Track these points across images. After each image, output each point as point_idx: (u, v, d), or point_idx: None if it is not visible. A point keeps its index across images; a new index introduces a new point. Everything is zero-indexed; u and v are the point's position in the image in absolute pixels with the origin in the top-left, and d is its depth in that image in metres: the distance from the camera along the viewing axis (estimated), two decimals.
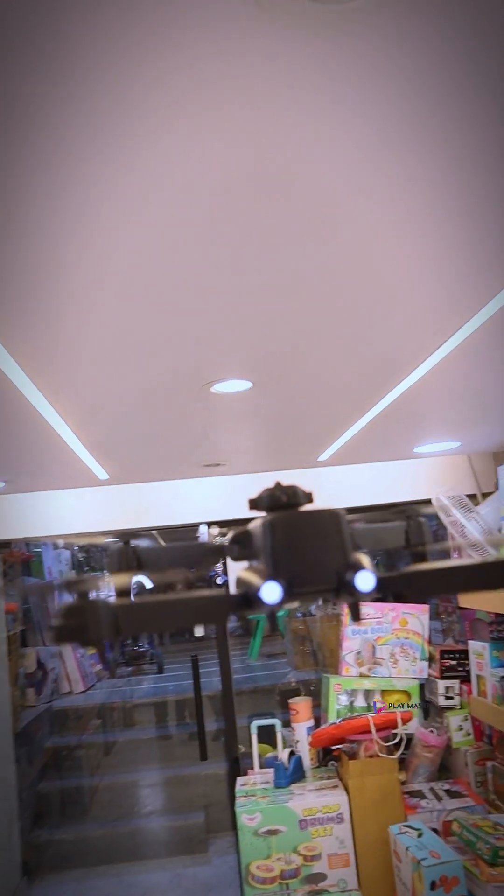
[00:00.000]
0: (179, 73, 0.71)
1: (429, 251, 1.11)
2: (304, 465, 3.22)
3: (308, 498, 0.80)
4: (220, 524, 3.75)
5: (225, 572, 3.73)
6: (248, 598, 0.67)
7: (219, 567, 3.73)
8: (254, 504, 0.81)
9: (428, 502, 3.49)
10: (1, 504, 3.43)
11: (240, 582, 0.73)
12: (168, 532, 7.24)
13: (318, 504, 0.80)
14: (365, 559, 0.72)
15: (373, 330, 1.49)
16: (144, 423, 2.07)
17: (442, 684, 3.58)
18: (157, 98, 0.74)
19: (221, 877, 4.00)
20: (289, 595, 0.67)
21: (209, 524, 3.72)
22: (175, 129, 0.79)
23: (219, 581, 3.70)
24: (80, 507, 3.46)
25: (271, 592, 0.65)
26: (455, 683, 3.58)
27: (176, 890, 3.97)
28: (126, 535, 0.97)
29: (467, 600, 3.44)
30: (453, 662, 3.63)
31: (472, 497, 3.60)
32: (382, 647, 3.69)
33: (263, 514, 0.79)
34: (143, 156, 0.83)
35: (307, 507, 0.79)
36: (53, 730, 5.30)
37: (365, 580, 0.68)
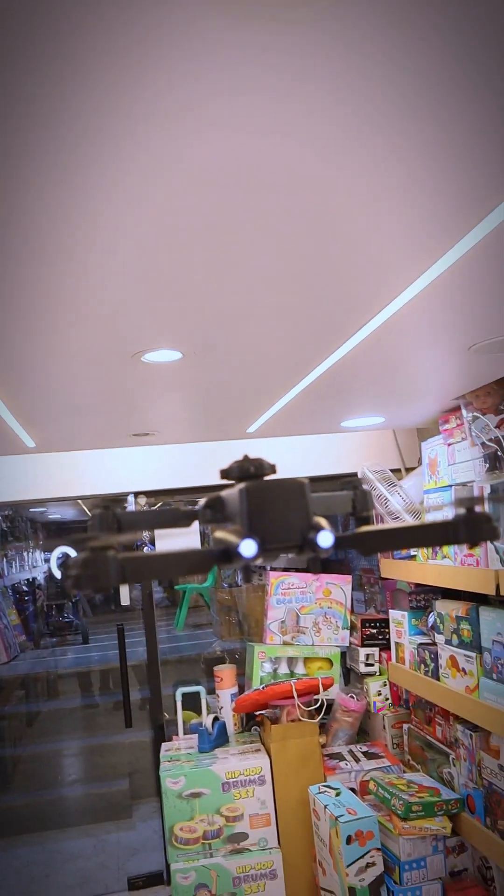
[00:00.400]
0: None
1: (358, 222, 1.14)
2: (233, 436, 3.25)
3: (272, 469, 0.89)
4: (150, 494, 3.76)
5: (152, 542, 3.75)
6: (228, 553, 0.78)
7: (146, 537, 3.74)
8: (224, 474, 0.90)
9: (354, 476, 3.58)
10: None
11: (218, 541, 0.83)
12: (95, 502, 7.20)
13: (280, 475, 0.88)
14: (324, 521, 0.83)
15: (301, 304, 1.52)
16: (73, 391, 2.06)
17: (363, 652, 3.70)
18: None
19: (145, 841, 4.07)
20: (262, 550, 0.79)
21: (137, 494, 3.72)
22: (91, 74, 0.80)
23: (146, 550, 3.70)
24: (5, 475, 3.40)
25: (248, 548, 0.77)
26: (375, 651, 3.71)
27: (100, 855, 4.02)
28: (106, 501, 0.97)
29: (388, 571, 3.55)
30: (374, 631, 3.76)
31: (396, 472, 3.71)
32: (306, 616, 3.78)
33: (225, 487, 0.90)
34: (63, 119, 0.83)
35: (274, 477, 0.87)
36: None
37: (325, 538, 0.79)
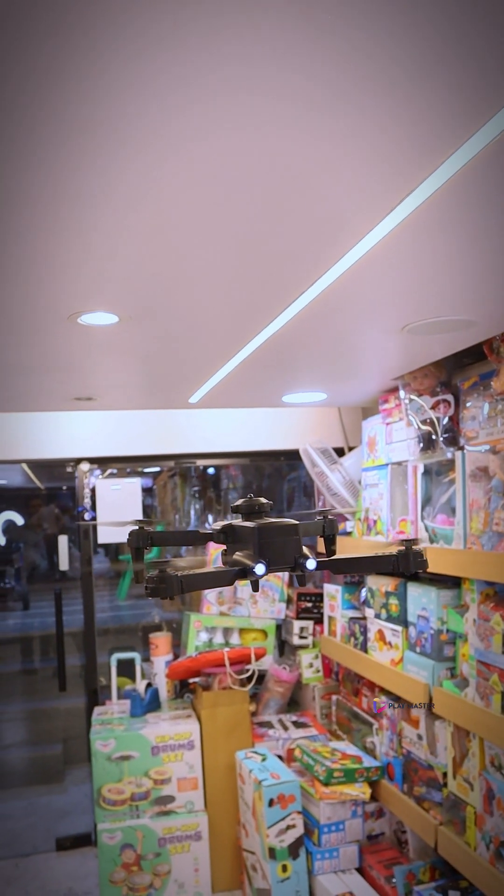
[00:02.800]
0: None
1: (307, 175, 1.15)
2: (176, 405, 3.26)
3: (270, 506, 1.33)
4: (93, 461, 3.76)
5: (93, 509, 3.75)
6: (245, 571, 1.18)
7: (87, 503, 3.74)
8: (236, 509, 1.33)
9: (295, 452, 3.63)
10: None
11: (235, 562, 1.24)
12: (38, 467, 7.11)
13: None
14: (309, 551, 1.24)
15: (237, 272, 1.54)
16: (9, 350, 2.05)
17: (297, 624, 3.78)
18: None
19: (76, 804, 4.11)
20: (267, 570, 1.18)
21: (79, 460, 3.72)
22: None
23: (86, 517, 3.71)
24: None
25: (261, 569, 1.18)
26: (309, 624, 3.78)
27: (30, 817, 4.05)
28: (141, 521, 1.46)
29: None
30: (309, 605, 3.83)
31: (340, 450, 3.77)
32: (243, 588, 3.84)
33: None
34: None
35: (275, 518, 1.29)
36: None
37: (311, 563, 1.21)
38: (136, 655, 3.71)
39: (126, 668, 3.73)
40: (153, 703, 3.50)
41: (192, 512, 6.27)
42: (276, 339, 2.04)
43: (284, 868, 2.76)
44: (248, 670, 3.42)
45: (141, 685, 3.57)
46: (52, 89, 0.88)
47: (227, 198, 1.19)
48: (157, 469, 7.23)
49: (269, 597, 3.85)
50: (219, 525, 1.37)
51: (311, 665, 3.67)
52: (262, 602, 3.83)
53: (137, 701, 3.42)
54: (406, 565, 1.28)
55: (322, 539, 1.60)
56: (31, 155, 1.03)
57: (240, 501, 1.34)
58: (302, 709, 3.76)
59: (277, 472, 5.41)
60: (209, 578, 1.23)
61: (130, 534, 1.44)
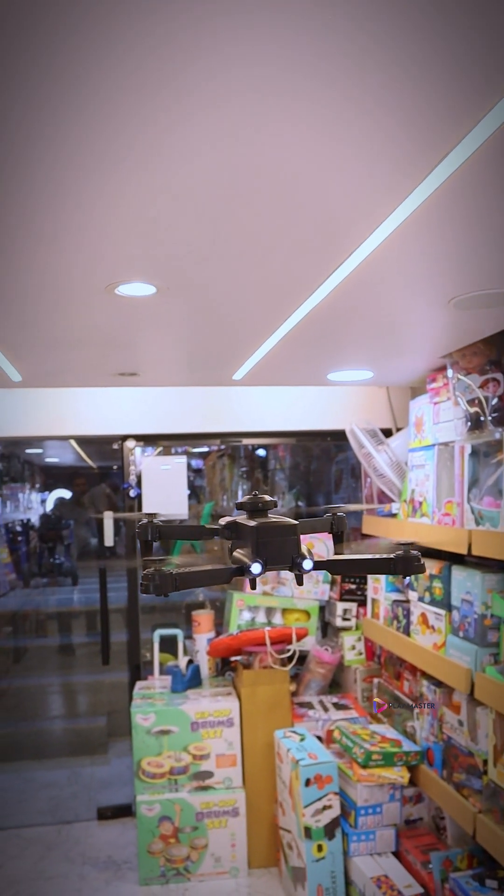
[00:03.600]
0: None
1: (340, 142, 1.11)
2: (219, 382, 3.24)
3: (273, 504, 1.33)
4: (139, 438, 3.77)
5: (139, 485, 3.77)
6: (243, 569, 1.19)
7: (133, 480, 3.76)
8: (240, 506, 1.34)
9: (343, 433, 3.58)
10: None
11: (235, 559, 1.26)
12: (89, 446, 7.21)
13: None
14: (306, 552, 1.23)
15: (274, 242, 1.50)
16: (51, 322, 2.05)
17: (340, 606, 3.75)
18: None
19: (118, 776, 4.17)
20: (264, 569, 1.19)
21: (125, 437, 3.74)
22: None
23: (132, 494, 3.74)
24: None
25: (256, 568, 1.18)
26: (353, 606, 3.75)
27: (73, 786, 4.13)
28: (150, 514, 1.50)
29: (370, 528, 3.58)
30: (353, 587, 3.79)
31: (388, 432, 3.70)
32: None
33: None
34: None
35: (275, 517, 1.28)
36: None
37: (307, 564, 1.21)
38: (178, 632, 3.73)
39: (168, 645, 3.76)
40: (194, 680, 3.51)
41: (240, 492, 6.28)
42: (318, 313, 1.99)
43: (320, 848, 2.75)
44: (288, 650, 3.41)
45: (182, 661, 3.60)
46: (94, 50, 0.86)
47: (262, 162, 1.15)
48: (206, 449, 7.26)
49: (314, 578, 3.82)
50: (224, 521, 1.37)
51: (353, 647, 3.64)
52: (305, 582, 3.80)
53: (178, 677, 3.44)
54: (404, 569, 1.27)
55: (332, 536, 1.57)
56: (73, 118, 1.01)
57: (244, 498, 1.34)
58: (343, 691, 3.74)
59: (325, 453, 5.36)
60: (205, 577, 1.24)
61: (139, 527, 1.48)
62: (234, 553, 1.29)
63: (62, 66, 0.90)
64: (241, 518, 1.32)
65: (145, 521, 1.49)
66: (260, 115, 1.02)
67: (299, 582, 1.29)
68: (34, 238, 1.45)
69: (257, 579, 1.21)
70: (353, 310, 1.99)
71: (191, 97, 0.98)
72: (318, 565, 1.25)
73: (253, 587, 1.31)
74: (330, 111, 1.02)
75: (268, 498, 1.33)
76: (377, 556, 1.30)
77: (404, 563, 1.27)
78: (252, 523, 1.24)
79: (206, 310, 1.97)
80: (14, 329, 2.14)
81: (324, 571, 3.80)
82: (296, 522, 1.25)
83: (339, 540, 1.56)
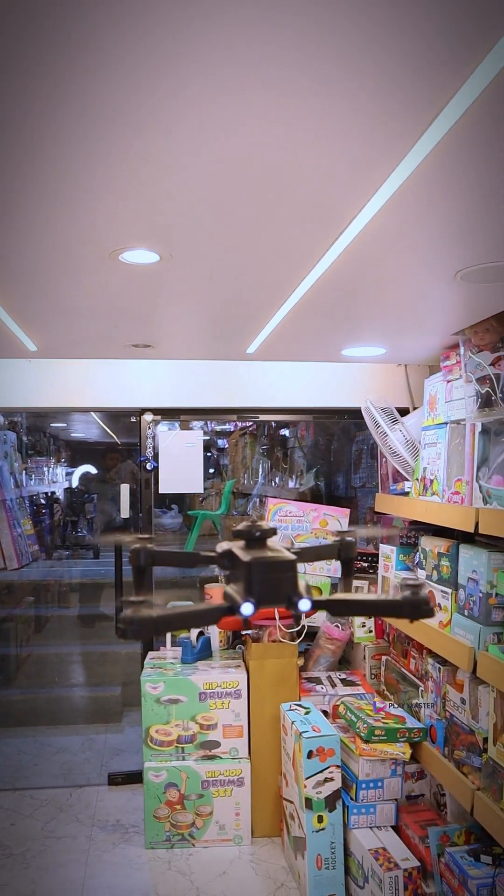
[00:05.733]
0: None
1: (335, 102, 1.10)
2: (234, 356, 3.24)
3: (273, 532, 1.19)
4: (156, 411, 3.79)
5: (155, 459, 3.80)
6: (233, 609, 1.07)
7: (150, 454, 3.79)
8: (237, 534, 1.19)
9: (360, 411, 3.57)
10: None
11: (227, 595, 1.13)
12: (113, 421, 7.26)
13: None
14: (304, 590, 1.10)
15: (278, 206, 1.49)
16: (60, 290, 2.07)
17: (352, 584, 3.75)
18: None
19: (131, 744, 4.25)
20: (256, 609, 1.06)
21: (143, 411, 3.76)
22: None
23: (148, 467, 3.77)
24: (12, 381, 3.46)
25: (247, 608, 1.05)
26: (364, 584, 3.75)
27: (86, 752, 4.21)
28: (144, 538, 1.36)
29: (382, 506, 3.57)
30: (365, 564, 3.80)
31: (405, 411, 3.68)
32: (300, 545, 3.83)
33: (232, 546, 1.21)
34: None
35: (274, 551, 1.15)
36: None
37: (304, 604, 1.08)
38: (190, 604, 3.77)
39: None
40: (205, 652, 3.56)
41: (261, 470, 6.30)
42: (324, 284, 1.99)
43: (320, 819, 2.78)
44: (298, 624, 3.43)
45: (193, 633, 3.64)
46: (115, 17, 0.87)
47: (259, 128, 1.15)
48: (230, 428, 7.28)
49: None
50: (220, 548, 1.25)
51: (363, 625, 3.65)
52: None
53: (189, 648, 3.49)
54: (412, 613, 1.15)
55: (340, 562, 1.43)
56: (82, 75, 1.02)
57: (241, 525, 1.20)
58: (352, 667, 3.75)
59: (345, 432, 5.34)
60: (191, 618, 1.13)
61: (131, 551, 1.36)
62: (227, 588, 1.17)
63: (84, 34, 0.90)
64: (238, 547, 1.19)
65: (138, 545, 1.34)
66: (256, 77, 1.02)
67: (296, 621, 1.16)
68: (39, 201, 1.47)
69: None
70: (359, 281, 1.98)
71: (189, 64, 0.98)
72: (317, 605, 1.13)
73: (246, 627, 1.13)
74: (323, 65, 1.01)
75: (266, 526, 1.21)
76: (383, 598, 1.16)
77: (413, 607, 1.15)
78: (246, 557, 1.12)
79: (211, 279, 1.98)
80: (24, 298, 2.16)
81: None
82: (293, 557, 1.13)
83: (347, 568, 1.43)
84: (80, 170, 1.32)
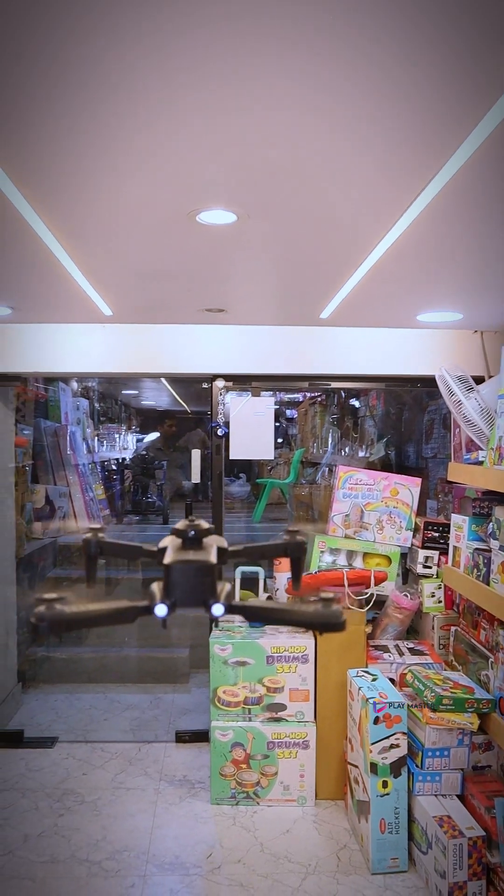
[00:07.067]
0: None
1: (428, 55, 1.08)
2: (307, 321, 3.21)
3: (208, 531, 1.19)
4: (227, 378, 3.80)
5: (227, 425, 3.83)
6: (149, 608, 1.09)
7: (220, 420, 3.82)
8: (174, 532, 1.19)
9: (434, 380, 3.50)
10: (10, 335, 3.50)
11: (149, 593, 1.13)
12: (183, 388, 7.30)
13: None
14: (224, 594, 1.11)
15: (359, 157, 1.46)
16: (136, 253, 2.09)
17: (422, 553, 3.72)
18: None
19: (197, 704, 4.35)
20: (171, 610, 1.09)
21: (215, 377, 3.78)
22: None
23: (219, 433, 3.80)
24: (87, 347, 3.52)
25: (161, 610, 1.08)
26: (434, 554, 3.71)
27: (154, 710, 4.33)
28: (94, 528, 1.38)
29: (454, 475, 3.51)
30: (436, 534, 3.75)
31: (481, 379, 3.59)
32: (371, 513, 3.81)
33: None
34: None
35: (200, 553, 1.15)
36: (56, 562, 5.63)
37: (217, 609, 1.08)
38: (259, 570, 3.81)
39: (249, 583, 3.84)
40: None
41: (330, 439, 6.27)
42: (401, 245, 1.94)
43: (385, 784, 2.79)
44: (366, 592, 3.42)
45: (262, 598, 3.67)
46: None
47: (341, 78, 1.12)
48: (300, 398, 7.25)
49: (397, 524, 3.80)
50: (161, 544, 1.25)
51: (433, 595, 3.62)
52: (388, 528, 3.80)
53: None
54: (322, 626, 1.15)
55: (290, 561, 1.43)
56: (155, 33, 1.01)
57: (179, 524, 1.21)
58: (421, 637, 3.73)
59: (417, 402, 5.25)
60: (104, 616, 1.12)
61: (83, 541, 1.40)
62: (151, 585, 1.17)
63: None
64: (172, 546, 1.20)
65: (89, 535, 1.38)
66: (337, 25, 1.00)
67: (215, 624, 1.11)
68: (115, 159, 1.48)
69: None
70: (437, 242, 1.93)
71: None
72: (232, 609, 1.14)
73: (163, 626, 1.17)
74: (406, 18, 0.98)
75: (205, 525, 1.22)
76: (297, 608, 1.18)
77: (322, 619, 1.14)
78: (168, 559, 1.14)
79: (287, 240, 1.96)
80: (102, 261, 2.19)
81: (406, 517, 3.72)
82: (213, 563, 1.14)
83: (296, 567, 1.43)
84: (160, 125, 1.32)
